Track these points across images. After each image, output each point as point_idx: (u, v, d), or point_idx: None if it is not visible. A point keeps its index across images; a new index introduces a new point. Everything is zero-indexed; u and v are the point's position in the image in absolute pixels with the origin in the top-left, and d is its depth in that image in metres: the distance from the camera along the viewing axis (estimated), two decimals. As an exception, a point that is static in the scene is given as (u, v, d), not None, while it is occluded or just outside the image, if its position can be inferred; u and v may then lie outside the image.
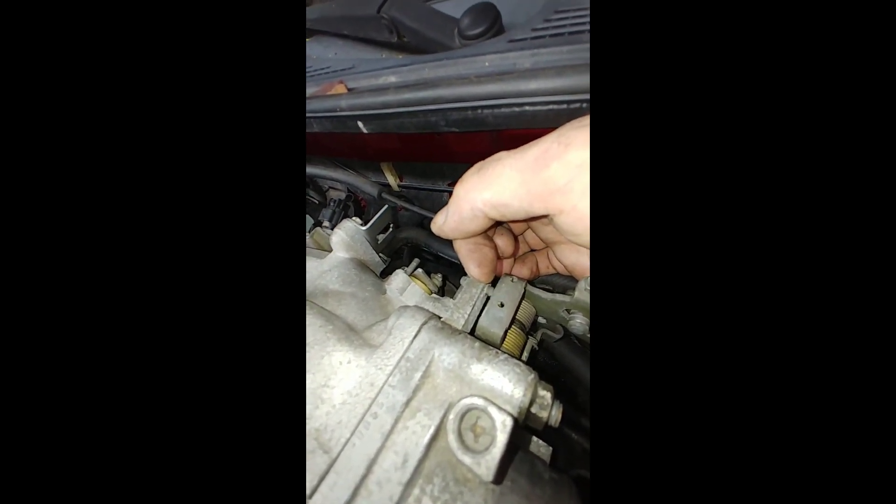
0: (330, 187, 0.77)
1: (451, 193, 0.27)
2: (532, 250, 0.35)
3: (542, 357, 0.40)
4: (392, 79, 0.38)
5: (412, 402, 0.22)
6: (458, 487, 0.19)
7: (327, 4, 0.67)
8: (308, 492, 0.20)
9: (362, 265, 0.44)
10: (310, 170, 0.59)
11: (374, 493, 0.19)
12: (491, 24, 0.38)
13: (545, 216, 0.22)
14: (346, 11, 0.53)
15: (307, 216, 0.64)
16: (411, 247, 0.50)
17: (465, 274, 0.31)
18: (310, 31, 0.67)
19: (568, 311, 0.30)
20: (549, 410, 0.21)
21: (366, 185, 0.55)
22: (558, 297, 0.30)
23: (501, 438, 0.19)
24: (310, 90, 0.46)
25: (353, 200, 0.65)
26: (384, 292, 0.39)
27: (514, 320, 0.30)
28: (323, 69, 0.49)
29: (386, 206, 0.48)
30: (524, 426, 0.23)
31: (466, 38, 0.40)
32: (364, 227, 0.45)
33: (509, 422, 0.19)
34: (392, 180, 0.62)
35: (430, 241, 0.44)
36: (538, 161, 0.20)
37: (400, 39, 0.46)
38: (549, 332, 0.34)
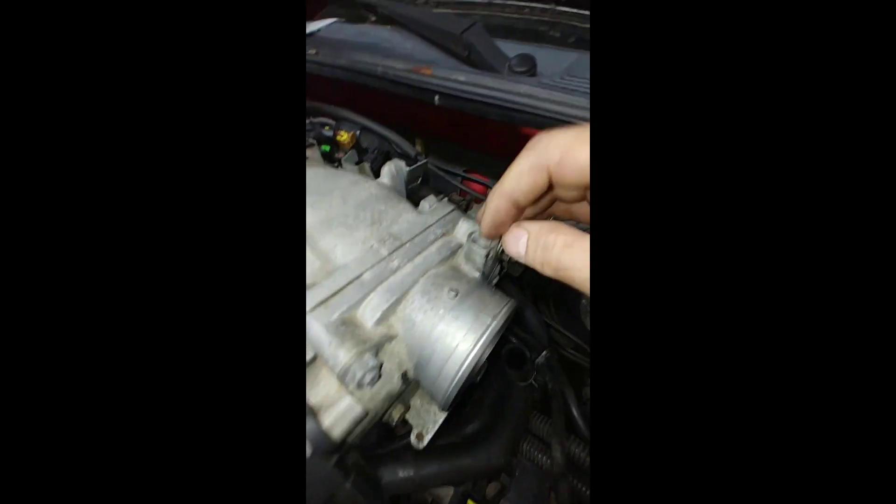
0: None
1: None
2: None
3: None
4: (462, 77, 0.59)
5: (444, 237, 0.41)
6: (455, 274, 0.39)
7: (413, 8, 0.88)
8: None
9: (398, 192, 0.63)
10: (370, 124, 0.78)
11: (420, 264, 0.38)
12: (531, 68, 0.61)
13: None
14: (434, 22, 0.74)
15: (354, 151, 0.82)
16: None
17: None
18: (391, 18, 0.87)
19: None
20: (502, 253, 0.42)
21: (405, 146, 0.75)
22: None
23: (482, 252, 0.39)
24: (399, 64, 0.65)
25: (386, 154, 0.84)
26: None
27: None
28: (408, 53, 0.69)
29: (424, 161, 0.67)
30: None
31: (512, 72, 0.62)
32: (407, 168, 0.64)
33: (492, 249, 0.39)
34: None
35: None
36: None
37: (468, 56, 0.68)
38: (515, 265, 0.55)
